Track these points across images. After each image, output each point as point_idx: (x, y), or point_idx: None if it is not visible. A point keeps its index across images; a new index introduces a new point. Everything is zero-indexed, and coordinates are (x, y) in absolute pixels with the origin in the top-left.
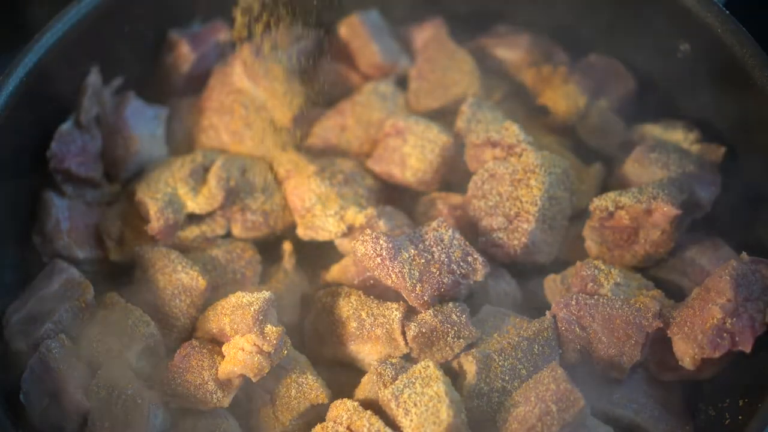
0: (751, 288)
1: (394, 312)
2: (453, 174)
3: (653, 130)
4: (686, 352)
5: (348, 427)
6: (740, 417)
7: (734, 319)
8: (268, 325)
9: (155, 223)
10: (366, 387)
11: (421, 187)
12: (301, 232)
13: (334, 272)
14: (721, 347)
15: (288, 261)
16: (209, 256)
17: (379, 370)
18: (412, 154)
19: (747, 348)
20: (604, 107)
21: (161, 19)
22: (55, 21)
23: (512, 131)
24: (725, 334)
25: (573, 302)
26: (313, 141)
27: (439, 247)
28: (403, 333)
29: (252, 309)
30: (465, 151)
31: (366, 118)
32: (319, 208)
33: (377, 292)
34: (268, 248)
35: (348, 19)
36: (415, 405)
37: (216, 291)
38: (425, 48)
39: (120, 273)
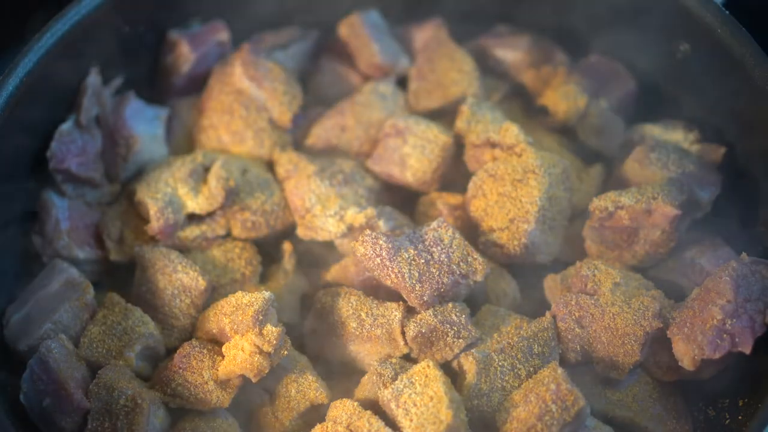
0: (751, 289)
1: (393, 312)
2: (453, 174)
3: (653, 130)
4: (686, 352)
5: (348, 427)
6: (740, 417)
7: (734, 320)
8: (268, 325)
9: (155, 223)
10: (366, 387)
11: (421, 187)
12: (301, 232)
13: (334, 272)
14: (720, 348)
15: (288, 261)
16: (209, 256)
17: (379, 370)
18: (412, 154)
19: (747, 349)
20: (604, 107)
21: (161, 19)
22: (55, 21)
23: (512, 132)
24: (725, 335)
25: (573, 302)
26: (313, 141)
27: (439, 247)
28: (403, 333)
29: (252, 309)
30: (465, 151)
31: (366, 118)
32: (319, 208)
33: (377, 292)
34: (268, 248)
35: (348, 19)
36: (415, 405)
37: (216, 291)
38: (425, 48)
39: (120, 273)
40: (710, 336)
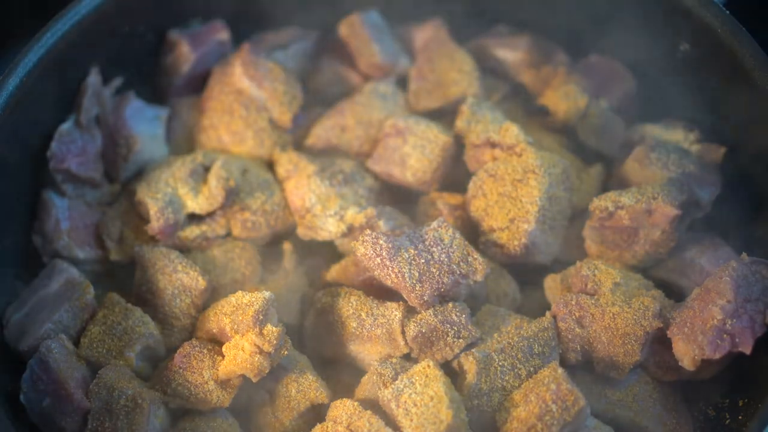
0: (751, 289)
1: (394, 312)
2: (453, 174)
3: (653, 130)
4: (686, 352)
5: (348, 427)
6: (740, 417)
7: (734, 320)
8: (268, 325)
9: (155, 223)
10: (366, 387)
11: (421, 187)
12: (301, 232)
13: (334, 272)
14: (721, 348)
15: (288, 261)
16: (209, 256)
17: (379, 370)
18: (412, 154)
19: (747, 350)
20: (604, 107)
21: (161, 19)
22: (54, 21)
23: (512, 132)
24: (725, 336)
25: (573, 302)
26: (313, 141)
27: (439, 247)
28: (403, 333)
29: (252, 309)
30: (465, 151)
31: (366, 118)
32: (319, 208)
33: (377, 292)
34: (268, 248)
35: (348, 19)
36: (415, 405)
37: (216, 291)
38: (425, 48)
39: (120, 273)
40: (710, 336)
